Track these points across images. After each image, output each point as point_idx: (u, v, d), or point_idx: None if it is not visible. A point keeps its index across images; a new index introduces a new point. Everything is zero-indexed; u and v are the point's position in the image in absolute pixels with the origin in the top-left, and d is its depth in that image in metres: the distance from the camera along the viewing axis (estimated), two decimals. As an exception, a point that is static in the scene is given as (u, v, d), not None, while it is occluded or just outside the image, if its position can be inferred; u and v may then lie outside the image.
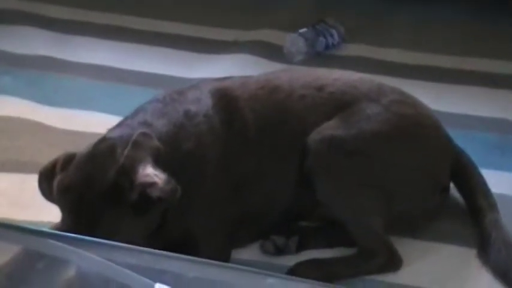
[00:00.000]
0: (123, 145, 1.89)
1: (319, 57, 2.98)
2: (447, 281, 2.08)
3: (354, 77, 2.31)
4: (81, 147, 1.96)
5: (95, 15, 3.27)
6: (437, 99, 2.58)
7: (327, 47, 3.01)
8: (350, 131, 2.09)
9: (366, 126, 2.10)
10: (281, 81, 2.21)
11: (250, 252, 2.15)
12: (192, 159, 2.02)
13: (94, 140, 1.97)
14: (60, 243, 1.46)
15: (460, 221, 2.22)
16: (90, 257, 1.43)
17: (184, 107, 2.09)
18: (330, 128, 2.11)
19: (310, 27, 3.02)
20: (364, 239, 2.09)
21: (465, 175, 2.23)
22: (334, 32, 3.02)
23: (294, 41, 2.98)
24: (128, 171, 1.83)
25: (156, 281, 1.37)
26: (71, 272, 1.48)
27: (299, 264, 2.10)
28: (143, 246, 1.55)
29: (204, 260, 1.49)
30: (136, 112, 2.09)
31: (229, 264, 1.91)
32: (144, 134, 1.92)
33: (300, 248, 2.16)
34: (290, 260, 2.12)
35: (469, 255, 2.13)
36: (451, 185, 2.23)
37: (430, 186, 2.16)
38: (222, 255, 2.05)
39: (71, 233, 1.76)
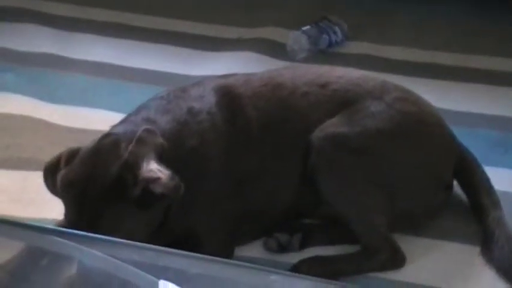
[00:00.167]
0: (127, 141, 1.89)
1: (322, 54, 2.97)
2: (450, 278, 2.08)
3: (357, 74, 2.30)
4: (83, 145, 1.96)
5: (98, 12, 3.27)
6: (440, 97, 2.57)
7: (330, 44, 3.01)
8: (353, 128, 2.09)
9: (369, 124, 2.10)
10: (284, 79, 2.21)
11: (254, 250, 2.15)
12: (195, 156, 2.02)
13: (96, 137, 1.97)
14: (63, 240, 1.46)
15: (463, 218, 2.22)
16: (93, 253, 1.43)
17: (188, 104, 2.09)
18: (334, 125, 2.10)
19: (313, 24, 3.02)
20: (367, 236, 2.09)
21: (468, 173, 2.23)
22: (337, 29, 3.02)
23: (297, 39, 2.97)
24: (132, 166, 1.83)
25: (159, 278, 1.37)
26: (74, 269, 1.48)
27: (302, 262, 2.09)
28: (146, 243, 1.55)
29: (207, 256, 1.49)
30: (140, 109, 2.09)
31: (233, 261, 1.92)
32: (148, 131, 1.91)
33: (303, 245, 2.16)
34: (293, 257, 2.12)
35: (472, 252, 2.12)
36: (455, 182, 2.23)
37: (433, 183, 2.16)
38: (225, 252, 2.05)
39: (73, 227, 1.76)
